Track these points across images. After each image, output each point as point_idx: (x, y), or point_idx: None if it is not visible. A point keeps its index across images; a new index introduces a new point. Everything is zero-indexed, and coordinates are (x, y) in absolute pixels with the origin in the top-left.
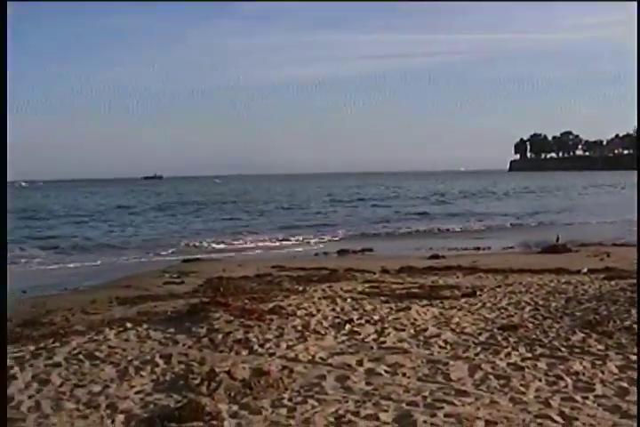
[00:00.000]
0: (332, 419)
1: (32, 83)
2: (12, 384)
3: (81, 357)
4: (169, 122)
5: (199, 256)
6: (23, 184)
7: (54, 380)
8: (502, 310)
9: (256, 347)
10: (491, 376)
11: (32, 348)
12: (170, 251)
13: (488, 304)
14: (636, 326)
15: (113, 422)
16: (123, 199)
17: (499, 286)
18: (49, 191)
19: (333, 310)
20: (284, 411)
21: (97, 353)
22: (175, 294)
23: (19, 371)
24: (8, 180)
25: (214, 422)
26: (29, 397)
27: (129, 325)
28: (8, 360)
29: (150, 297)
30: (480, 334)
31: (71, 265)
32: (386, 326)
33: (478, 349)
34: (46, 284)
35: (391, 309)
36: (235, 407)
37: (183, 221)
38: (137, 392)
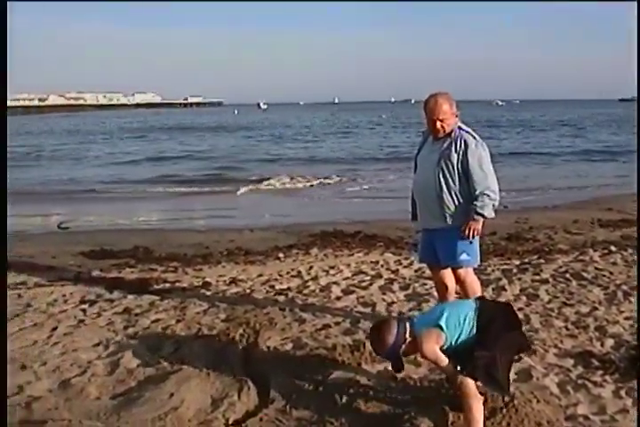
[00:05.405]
0: None
1: None
2: (501, 295)
3: (567, 275)
4: None
5: None
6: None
7: (542, 296)
8: None
9: None
10: None
11: (517, 262)
12: None
13: None
14: None
15: (602, 344)
16: None
17: None
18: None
19: None
20: None
21: (584, 274)
22: None
23: (507, 283)
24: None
25: None
26: (519, 309)
27: (613, 248)
28: (496, 272)
29: (634, 221)
30: None
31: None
32: None
33: None
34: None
35: None
36: None
37: None
38: (626, 318)
